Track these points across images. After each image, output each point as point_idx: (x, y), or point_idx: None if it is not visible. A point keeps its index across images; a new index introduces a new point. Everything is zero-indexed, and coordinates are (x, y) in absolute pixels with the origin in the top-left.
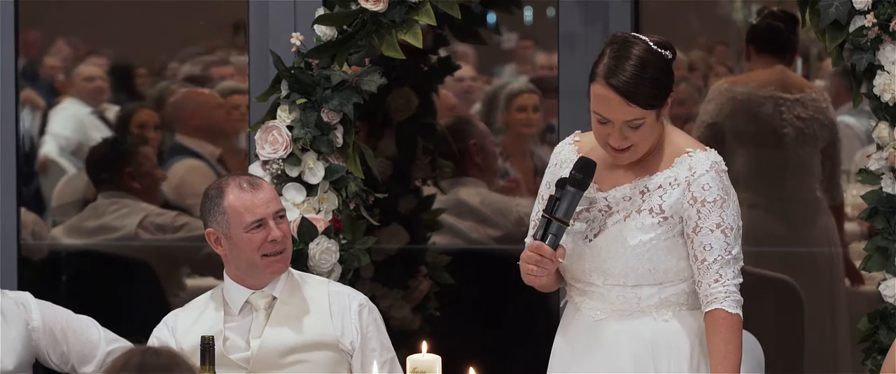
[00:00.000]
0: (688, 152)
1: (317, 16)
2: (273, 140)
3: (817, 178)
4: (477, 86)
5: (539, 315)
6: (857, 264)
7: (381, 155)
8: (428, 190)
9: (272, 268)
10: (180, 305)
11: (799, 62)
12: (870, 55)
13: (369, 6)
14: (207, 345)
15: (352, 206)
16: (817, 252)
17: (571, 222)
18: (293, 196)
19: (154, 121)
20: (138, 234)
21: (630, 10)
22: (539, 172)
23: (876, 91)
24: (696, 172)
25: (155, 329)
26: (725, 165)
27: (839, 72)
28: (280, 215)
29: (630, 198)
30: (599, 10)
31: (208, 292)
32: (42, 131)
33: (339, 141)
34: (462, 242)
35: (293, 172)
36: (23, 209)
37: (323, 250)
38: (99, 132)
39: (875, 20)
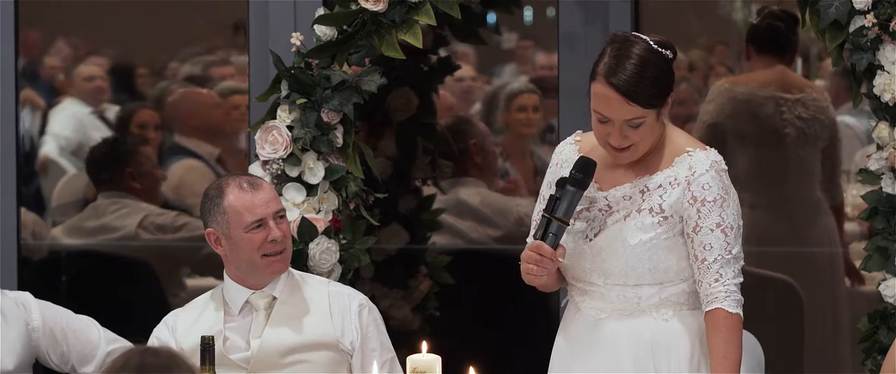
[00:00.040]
0: (688, 152)
1: (317, 16)
2: (273, 140)
3: (818, 178)
4: (477, 86)
5: (539, 315)
6: (857, 264)
7: (381, 155)
8: (428, 190)
9: (272, 268)
10: (180, 305)
11: (799, 62)
12: (870, 55)
13: (369, 6)
14: (207, 345)
15: (352, 206)
16: (818, 252)
17: (572, 221)
18: (293, 196)
19: (154, 121)
20: (138, 234)
21: (630, 10)
22: (539, 172)
23: (876, 91)
24: (696, 171)
25: (155, 329)
26: (726, 164)
27: (839, 72)
28: (280, 215)
29: (630, 197)
30: (599, 10)
31: (208, 293)
32: (42, 131)
33: (339, 141)
34: (462, 242)
35: (293, 172)
36: (23, 209)
37: (323, 250)
38: (99, 132)
39: (875, 20)
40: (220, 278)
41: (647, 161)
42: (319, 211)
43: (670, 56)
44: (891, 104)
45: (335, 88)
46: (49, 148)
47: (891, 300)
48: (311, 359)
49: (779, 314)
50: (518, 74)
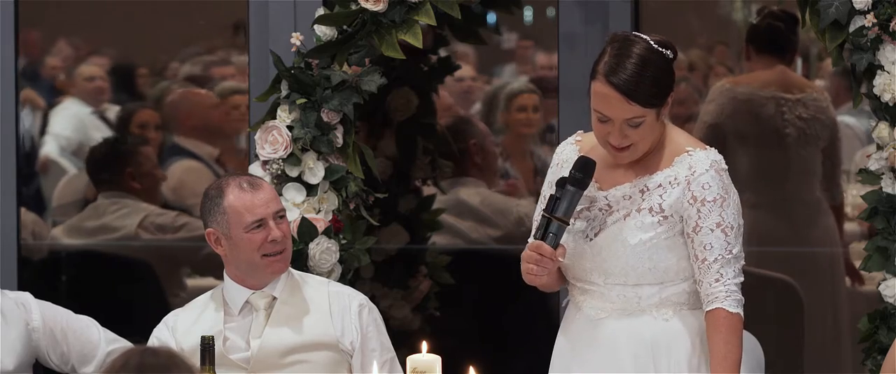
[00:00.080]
0: (688, 151)
1: (317, 16)
2: (273, 140)
3: (818, 178)
4: (477, 86)
5: (539, 315)
6: (857, 264)
7: (381, 155)
8: (428, 190)
9: (272, 268)
10: (180, 305)
11: (799, 62)
12: (870, 55)
13: (369, 6)
14: (207, 345)
15: (352, 206)
16: (818, 252)
17: (572, 221)
18: (293, 196)
19: (155, 121)
20: (138, 234)
21: (630, 10)
22: (539, 172)
23: (876, 91)
24: (695, 171)
25: (155, 329)
26: (726, 164)
27: (839, 72)
28: (280, 215)
29: (630, 197)
30: (599, 10)
31: (208, 293)
32: (43, 131)
33: (339, 141)
34: (462, 242)
35: (293, 172)
36: (23, 209)
37: (323, 250)
38: (100, 132)
39: (875, 20)
40: (220, 278)
41: (648, 161)
42: (319, 211)
43: (670, 56)
44: (891, 104)
45: (335, 88)
46: (50, 148)
47: (891, 300)
48: (311, 359)
49: (779, 314)
50: (518, 74)
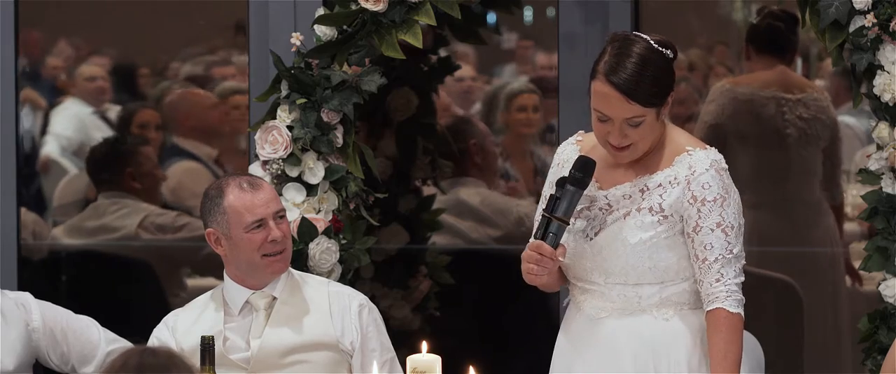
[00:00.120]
0: (688, 151)
1: (317, 16)
2: (273, 140)
3: (819, 178)
4: (477, 86)
5: (539, 315)
6: (857, 264)
7: (381, 155)
8: (428, 190)
9: (272, 268)
10: (180, 305)
11: (799, 62)
12: (870, 55)
13: (369, 6)
14: (207, 345)
15: (352, 206)
16: (819, 252)
17: (572, 220)
18: (293, 196)
19: (155, 121)
20: (139, 234)
21: (630, 10)
22: (539, 172)
23: (876, 91)
24: (695, 170)
25: (155, 329)
26: (727, 164)
27: (839, 72)
28: (280, 215)
29: (630, 196)
30: (599, 10)
31: (208, 293)
32: (44, 131)
33: (339, 141)
34: (462, 242)
35: (293, 172)
36: (23, 209)
37: (323, 250)
38: (100, 132)
39: (875, 20)
40: (220, 278)
41: (648, 160)
42: (319, 211)
43: (671, 55)
44: (891, 104)
45: (335, 88)
46: (50, 148)
47: (891, 300)
48: (311, 359)
49: (779, 314)
50: (518, 74)
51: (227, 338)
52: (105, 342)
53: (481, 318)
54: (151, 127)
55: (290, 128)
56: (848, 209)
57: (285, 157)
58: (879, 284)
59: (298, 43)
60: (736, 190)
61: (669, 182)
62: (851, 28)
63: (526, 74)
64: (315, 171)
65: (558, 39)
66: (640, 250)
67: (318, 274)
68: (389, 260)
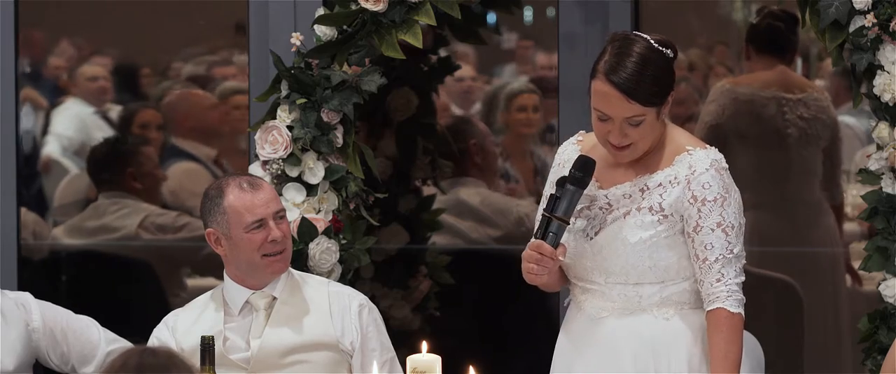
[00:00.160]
0: (688, 151)
1: (317, 16)
2: (273, 140)
3: (819, 178)
4: (477, 86)
5: (539, 315)
6: (857, 264)
7: (381, 155)
8: (428, 190)
9: (272, 268)
10: (180, 305)
11: (799, 62)
12: (870, 55)
13: (369, 6)
14: (207, 345)
15: (352, 206)
16: (819, 252)
17: (572, 220)
18: (293, 196)
19: (157, 121)
20: (139, 234)
21: (630, 10)
22: (539, 173)
23: (876, 91)
24: (696, 170)
25: (155, 329)
26: (727, 164)
27: (839, 72)
28: (280, 215)
29: (630, 196)
30: (599, 10)
31: (208, 293)
32: (45, 131)
33: (339, 141)
34: (462, 242)
35: (293, 172)
36: (23, 209)
37: (323, 250)
38: (102, 132)
39: (875, 20)
40: (220, 278)
41: (648, 160)
42: (319, 211)
43: (671, 55)
44: (891, 104)
45: (335, 88)
46: (52, 148)
47: (891, 300)
48: (311, 359)
49: (779, 314)
50: (518, 74)
51: (227, 338)
52: (105, 342)
53: (481, 318)
54: (152, 127)
55: (290, 128)
56: (848, 209)
57: (285, 157)
58: (879, 284)
59: (298, 43)
60: (736, 190)
61: (669, 182)
62: (851, 28)
63: (526, 74)
64: (315, 171)
65: (558, 39)
66: (641, 249)
67: (318, 274)
68: (389, 260)
